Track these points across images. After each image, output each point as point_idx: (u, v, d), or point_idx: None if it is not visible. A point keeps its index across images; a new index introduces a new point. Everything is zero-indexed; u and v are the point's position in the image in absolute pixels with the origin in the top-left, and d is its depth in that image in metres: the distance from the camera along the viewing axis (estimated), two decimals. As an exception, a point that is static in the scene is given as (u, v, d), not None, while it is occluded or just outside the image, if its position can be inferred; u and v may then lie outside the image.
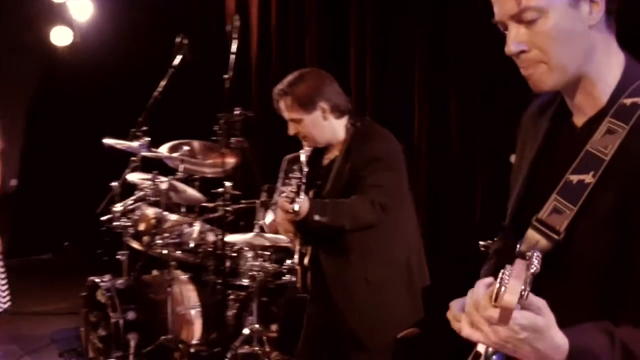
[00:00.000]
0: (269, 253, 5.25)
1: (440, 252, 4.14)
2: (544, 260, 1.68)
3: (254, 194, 5.44)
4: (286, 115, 3.78)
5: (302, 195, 3.39)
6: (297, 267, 4.03)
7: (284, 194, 3.40)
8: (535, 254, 1.50)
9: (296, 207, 3.34)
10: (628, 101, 1.73)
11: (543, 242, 1.74)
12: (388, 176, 3.66)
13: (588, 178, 1.71)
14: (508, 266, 1.50)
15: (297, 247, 4.01)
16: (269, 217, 5.19)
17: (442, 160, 5.61)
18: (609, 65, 1.79)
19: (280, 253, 5.27)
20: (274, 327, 5.24)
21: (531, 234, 1.77)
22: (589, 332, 1.62)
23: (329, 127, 3.78)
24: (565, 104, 1.88)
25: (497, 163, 5.23)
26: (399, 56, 6.01)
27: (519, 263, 1.49)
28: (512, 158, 4.36)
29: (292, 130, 3.79)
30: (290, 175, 3.33)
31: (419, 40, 5.86)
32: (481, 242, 4.20)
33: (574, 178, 1.73)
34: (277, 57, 7.13)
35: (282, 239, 5.06)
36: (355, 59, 6.25)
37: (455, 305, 2.05)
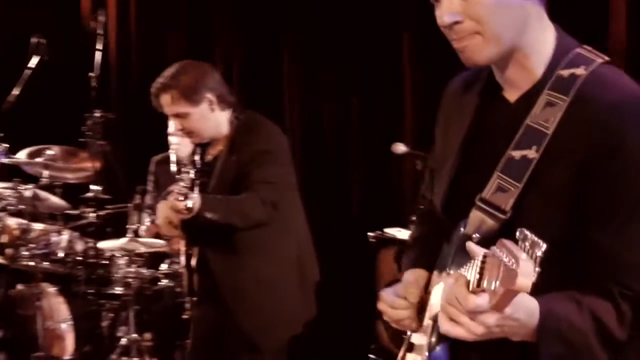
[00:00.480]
0: (143, 259, 5.07)
1: (323, 247, 4.06)
2: (485, 240, 1.67)
3: (120, 199, 5.25)
4: (170, 110, 3.58)
5: (196, 192, 3.24)
6: (183, 270, 3.90)
7: (176, 191, 3.23)
8: (528, 235, 1.41)
9: (189, 203, 3.19)
10: (565, 72, 1.70)
11: (489, 222, 1.71)
12: (277, 171, 3.56)
13: (531, 153, 1.67)
14: (485, 251, 1.46)
15: (183, 249, 3.85)
16: (146, 221, 5.02)
17: (317, 156, 5.57)
18: (543, 37, 1.75)
19: (157, 258, 5.08)
20: (149, 335, 5.07)
21: (475, 214, 1.74)
22: (556, 299, 1.61)
23: (214, 120, 3.63)
24: (493, 79, 1.83)
25: (373, 156, 5.26)
26: (266, 51, 5.94)
27: (505, 244, 1.41)
28: (398, 147, 4.46)
29: (176, 126, 3.61)
30: (182, 170, 3.15)
31: (288, 34, 5.81)
32: (370, 234, 4.21)
33: (516, 154, 1.69)
34: (137, 56, 6.86)
35: (158, 242, 4.89)
36: (222, 55, 6.10)
37: (387, 294, 2.00)
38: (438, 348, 1.82)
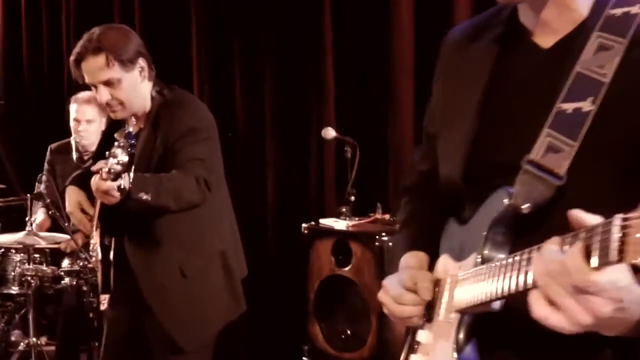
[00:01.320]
0: (38, 256, 4.62)
1: (249, 240, 3.73)
2: (537, 212, 1.41)
3: (13, 190, 4.78)
4: (100, 76, 3.14)
5: (132, 172, 2.79)
6: (96, 265, 3.50)
7: (104, 169, 2.77)
8: None
9: (122, 183, 2.75)
10: (617, 11, 1.46)
11: (540, 189, 1.43)
12: (207, 149, 3.25)
13: (586, 105, 1.41)
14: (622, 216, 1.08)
15: (96, 241, 3.40)
16: (40, 215, 4.62)
17: (230, 142, 5.19)
18: None
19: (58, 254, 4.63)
20: (44, 339, 4.76)
21: (523, 181, 1.45)
22: None
23: (143, 91, 3.26)
24: (516, 23, 1.60)
25: (286, 142, 5.00)
26: (175, 34, 5.63)
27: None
28: (328, 131, 4.16)
29: (104, 96, 3.16)
30: (117, 145, 2.70)
31: (198, 17, 5.52)
32: (303, 225, 3.89)
33: (568, 107, 1.43)
34: (27, 40, 6.37)
35: (61, 236, 4.42)
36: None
37: (392, 285, 1.67)
38: (468, 348, 1.48)
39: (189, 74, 5.48)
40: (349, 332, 3.82)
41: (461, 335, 1.50)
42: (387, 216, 4.04)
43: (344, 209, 4.05)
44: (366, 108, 4.66)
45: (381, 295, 1.70)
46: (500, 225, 1.45)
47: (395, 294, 1.65)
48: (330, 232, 3.88)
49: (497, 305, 1.43)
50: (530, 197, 1.42)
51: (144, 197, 2.91)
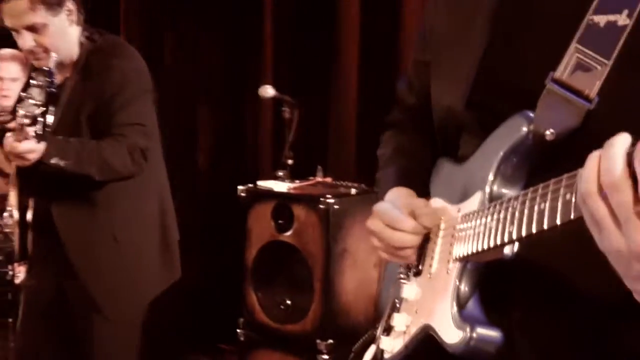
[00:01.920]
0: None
1: (182, 203, 3.48)
2: (561, 139, 1.20)
3: None
4: (23, 21, 2.84)
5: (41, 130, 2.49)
6: (13, 228, 3.25)
7: (15, 128, 2.47)
8: None
9: (33, 146, 2.45)
10: None
11: (566, 113, 1.21)
12: (146, 107, 3.05)
13: (621, 19, 1.21)
14: None
15: (13, 202, 3.11)
16: None
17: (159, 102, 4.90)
18: None
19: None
20: None
21: (546, 103, 1.23)
22: None
23: (70, 37, 2.97)
24: None
25: (220, 101, 4.79)
26: None
27: None
28: (266, 89, 3.93)
29: (27, 42, 2.86)
30: (34, 84, 2.39)
31: None
32: (240, 187, 3.64)
33: (600, 19, 1.22)
34: None
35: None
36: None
37: (387, 208, 1.43)
38: (471, 303, 1.25)
39: (116, 31, 5.12)
40: (289, 302, 3.60)
41: (463, 287, 1.27)
42: (328, 179, 3.83)
43: (280, 173, 3.82)
44: (307, 66, 4.46)
45: (371, 223, 1.45)
46: (515, 156, 1.23)
47: (392, 218, 1.41)
48: (270, 194, 3.64)
49: (508, 250, 1.20)
50: (555, 122, 1.20)
51: (60, 163, 2.66)
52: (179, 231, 3.31)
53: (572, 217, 0.94)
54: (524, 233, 1.07)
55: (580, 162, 0.99)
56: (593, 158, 0.89)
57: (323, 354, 3.41)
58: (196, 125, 4.93)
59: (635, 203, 0.83)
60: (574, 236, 1.11)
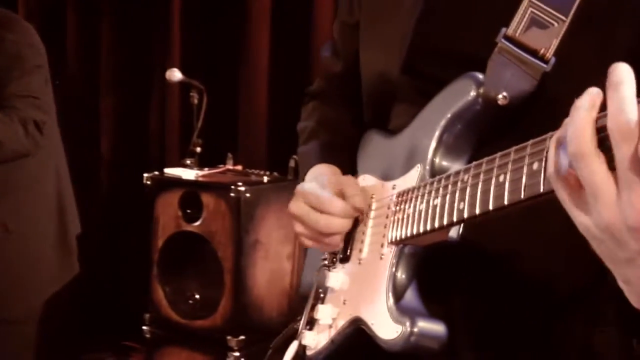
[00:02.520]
0: None
1: (84, 193, 3.28)
2: (514, 104, 1.08)
3: None
4: None
5: None
6: None
7: None
8: None
9: None
10: None
11: (519, 75, 1.07)
12: (40, 82, 2.84)
13: None
14: None
15: None
16: None
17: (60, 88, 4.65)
18: None
19: None
20: None
21: (496, 63, 1.09)
22: None
23: None
24: None
25: (125, 85, 4.58)
26: None
27: None
28: (173, 73, 3.74)
29: None
30: None
31: None
32: (145, 175, 3.45)
33: None
34: None
35: None
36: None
37: (311, 189, 1.27)
38: (409, 293, 1.10)
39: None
40: (198, 296, 3.44)
41: (400, 274, 1.11)
42: (239, 167, 3.68)
43: (188, 161, 3.65)
44: (216, 50, 4.32)
45: (294, 205, 1.27)
46: (460, 123, 1.08)
47: (318, 199, 1.23)
48: (178, 182, 3.47)
49: (454, 232, 1.06)
50: (508, 85, 1.06)
51: None
52: (80, 222, 3.11)
53: (541, 190, 0.79)
54: (478, 211, 0.91)
55: (535, 130, 0.85)
56: (582, 108, 0.71)
57: (234, 351, 3.27)
58: (99, 109, 4.71)
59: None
60: (527, 216, 0.98)
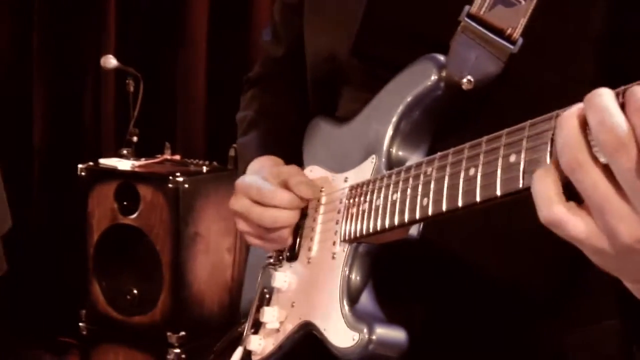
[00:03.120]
0: None
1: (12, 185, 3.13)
2: (479, 88, 0.98)
3: None
4: None
5: None
6: None
7: None
8: None
9: None
10: None
11: (484, 57, 0.98)
12: None
13: None
14: None
15: None
16: None
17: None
18: None
19: None
20: None
21: (460, 44, 0.99)
22: None
23: None
24: None
25: (58, 73, 4.38)
26: None
27: None
28: (109, 60, 3.60)
29: None
30: None
31: None
32: (80, 166, 3.31)
33: None
34: None
35: None
36: None
37: (253, 181, 1.17)
38: (364, 296, 1.01)
39: None
40: (136, 292, 3.30)
41: (354, 275, 1.02)
42: (177, 157, 3.55)
43: (125, 151, 3.51)
44: (153, 36, 4.16)
45: (235, 202, 1.17)
46: (420, 110, 0.99)
47: (260, 191, 1.13)
48: (113, 173, 3.33)
49: (415, 230, 0.97)
50: (472, 68, 0.97)
51: None
52: (12, 216, 2.93)
53: (520, 186, 0.70)
54: (445, 208, 0.82)
55: (501, 116, 0.77)
56: (572, 117, 0.62)
57: (174, 347, 3.16)
58: (31, 97, 4.49)
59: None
60: (492, 213, 0.89)
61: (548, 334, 1.06)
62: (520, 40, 0.96)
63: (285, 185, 1.13)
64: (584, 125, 0.61)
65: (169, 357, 3.16)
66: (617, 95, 0.59)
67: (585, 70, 0.97)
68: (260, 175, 1.17)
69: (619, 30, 0.95)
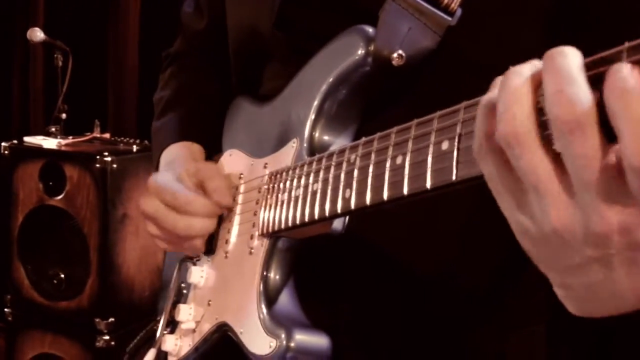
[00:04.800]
0: None
1: None
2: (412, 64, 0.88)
3: None
4: None
5: None
6: None
7: None
8: None
9: None
10: None
11: (419, 29, 0.87)
12: None
13: None
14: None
15: None
16: None
17: None
18: None
19: None
20: None
21: (392, 14, 0.88)
22: None
23: None
24: None
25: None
26: None
27: None
28: (35, 33, 3.44)
29: None
30: None
31: None
32: (3, 144, 3.18)
33: None
34: None
35: None
36: None
37: (167, 183, 1.06)
38: (283, 296, 0.91)
39: None
40: (62, 276, 3.15)
41: (273, 273, 0.92)
42: (107, 135, 3.40)
43: (53, 129, 3.35)
44: (83, 8, 3.99)
45: (147, 204, 1.05)
46: (346, 88, 0.88)
47: (175, 196, 1.01)
48: (38, 152, 3.15)
49: (339, 224, 0.86)
50: (404, 41, 0.86)
51: None
52: None
53: (454, 178, 0.60)
54: (369, 201, 0.72)
55: (437, 97, 0.67)
56: (522, 74, 0.51)
57: (103, 334, 3.01)
58: None
59: (606, 154, 0.47)
60: (423, 206, 0.80)
61: (479, 335, 0.97)
62: (459, 12, 0.85)
63: (202, 188, 1.02)
64: (537, 89, 0.50)
65: (97, 344, 3.02)
66: (587, 66, 0.49)
67: (531, 44, 0.87)
68: (175, 171, 1.06)
69: (567, 1, 0.86)
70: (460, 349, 0.94)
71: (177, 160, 1.10)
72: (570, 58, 0.48)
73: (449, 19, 0.85)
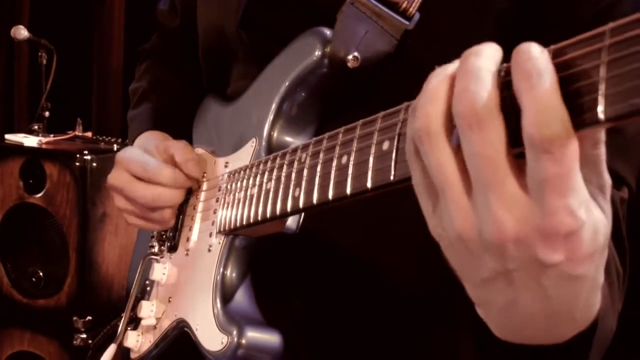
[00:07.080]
0: None
1: None
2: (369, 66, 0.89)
3: None
4: None
5: None
6: None
7: None
8: None
9: None
10: None
11: (376, 31, 0.88)
12: None
13: None
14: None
15: None
16: None
17: None
18: None
19: None
20: None
21: (351, 16, 0.88)
22: None
23: None
24: None
25: None
26: None
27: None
28: (19, 30, 3.43)
29: None
30: None
31: None
32: None
33: None
34: None
35: None
36: None
37: (135, 155, 1.07)
38: (240, 294, 0.92)
39: None
40: (41, 274, 3.14)
41: (229, 271, 0.92)
42: (89, 134, 3.40)
43: (36, 127, 3.35)
44: (68, 6, 3.99)
45: (114, 176, 1.08)
46: (303, 89, 0.89)
47: (143, 166, 1.03)
48: (18, 150, 3.14)
49: (292, 223, 0.87)
50: (361, 44, 0.87)
51: None
52: None
53: (392, 178, 0.61)
54: (315, 200, 0.72)
55: (393, 100, 0.67)
56: (441, 74, 0.52)
57: (81, 332, 3.00)
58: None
59: (507, 154, 0.47)
60: (378, 205, 0.81)
61: (431, 335, 0.97)
62: (417, 16, 0.86)
63: (172, 162, 1.03)
64: (453, 88, 0.50)
65: (75, 342, 3.02)
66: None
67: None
68: (145, 148, 1.07)
69: (526, 5, 0.86)
70: (411, 349, 0.94)
71: (149, 140, 1.11)
72: (484, 58, 0.48)
73: (407, 23, 0.86)
